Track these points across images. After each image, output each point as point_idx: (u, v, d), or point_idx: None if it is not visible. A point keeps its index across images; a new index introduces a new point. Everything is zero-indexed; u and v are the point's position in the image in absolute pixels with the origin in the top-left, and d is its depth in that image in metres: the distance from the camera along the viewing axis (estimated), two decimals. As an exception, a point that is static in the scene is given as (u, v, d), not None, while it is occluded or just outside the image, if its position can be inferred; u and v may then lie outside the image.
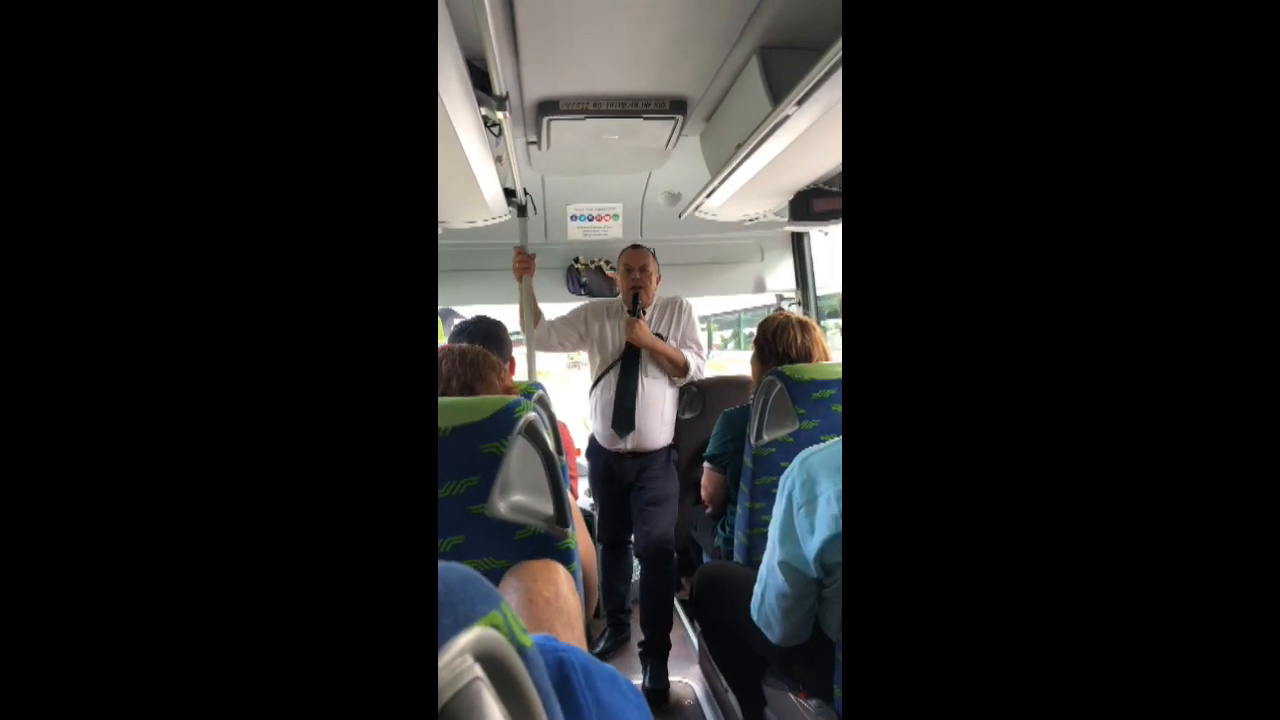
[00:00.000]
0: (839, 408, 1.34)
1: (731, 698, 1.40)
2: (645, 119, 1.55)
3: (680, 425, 2.06)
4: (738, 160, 1.42)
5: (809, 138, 1.30)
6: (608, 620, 2.08)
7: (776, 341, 1.50)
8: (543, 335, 2.02)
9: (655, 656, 1.90)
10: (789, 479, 0.97)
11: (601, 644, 2.04)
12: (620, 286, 1.98)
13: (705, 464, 1.68)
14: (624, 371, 1.94)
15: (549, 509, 0.79)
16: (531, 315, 1.96)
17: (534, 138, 1.67)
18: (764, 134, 1.26)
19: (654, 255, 1.99)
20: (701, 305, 2.42)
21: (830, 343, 2.30)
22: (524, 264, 1.90)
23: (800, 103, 1.13)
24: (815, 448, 0.98)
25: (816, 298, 2.48)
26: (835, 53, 0.96)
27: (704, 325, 2.24)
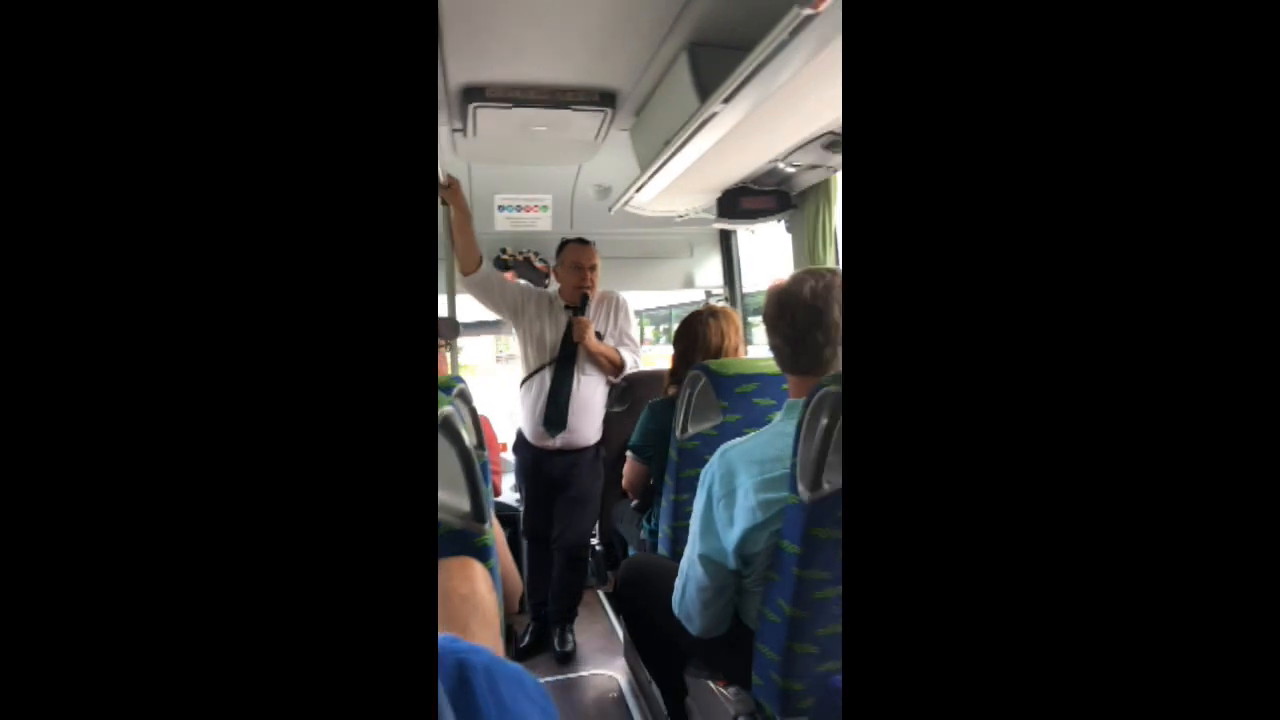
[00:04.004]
0: (761, 401, 1.37)
1: (655, 689, 1.41)
2: (574, 110, 1.54)
3: (608, 419, 2.07)
4: (666, 155, 1.43)
5: (737, 136, 1.32)
6: (531, 615, 2.06)
7: (688, 331, 1.63)
8: (483, 279, 1.92)
9: (562, 623, 1.97)
10: (709, 472, 0.99)
11: (526, 639, 2.01)
12: (564, 282, 1.94)
13: (628, 453, 1.68)
14: (560, 370, 1.91)
15: (465, 505, 0.78)
16: (464, 245, 1.85)
17: (459, 125, 1.63)
18: (691, 130, 1.27)
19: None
20: (635, 300, 2.42)
21: (752, 339, 2.36)
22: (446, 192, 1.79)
23: (727, 100, 1.15)
24: (735, 441, 1.00)
25: (743, 295, 2.52)
26: (762, 52, 0.97)
27: (637, 320, 2.25)
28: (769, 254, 2.39)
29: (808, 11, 0.84)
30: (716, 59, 1.26)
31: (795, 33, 0.91)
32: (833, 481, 0.85)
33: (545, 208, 2.29)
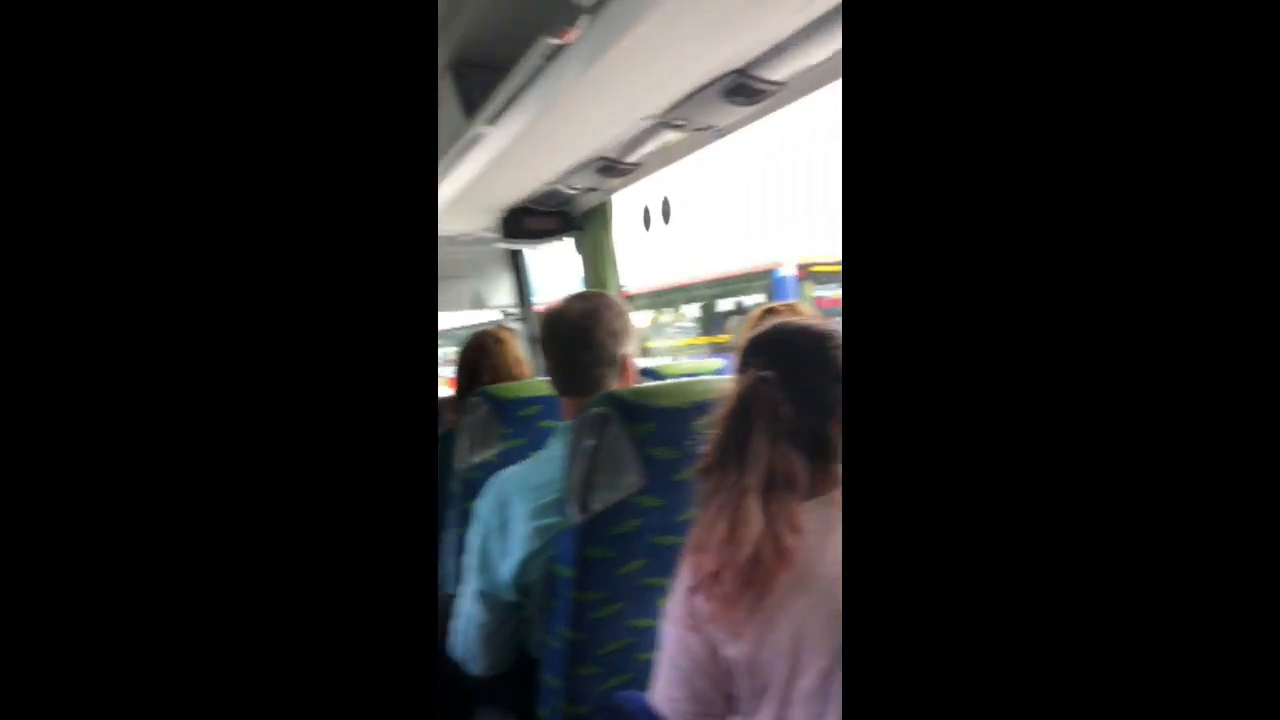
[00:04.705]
0: (546, 424, 1.35)
1: None
2: None
3: None
4: (439, 174, 1.37)
5: (511, 157, 1.31)
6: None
7: (467, 364, 1.54)
8: None
9: None
10: (482, 504, 0.95)
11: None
12: None
13: None
14: None
15: None
16: None
17: None
18: (460, 149, 1.24)
19: None
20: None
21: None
22: None
23: (493, 122, 1.13)
24: (508, 469, 0.98)
25: (536, 315, 2.51)
26: (517, 77, 0.97)
27: (440, 343, 2.13)
28: (570, 272, 2.40)
29: (555, 42, 0.85)
30: (482, 79, 1.24)
31: (550, 59, 0.92)
32: (603, 501, 0.86)
33: (315, 225, 2.09)
